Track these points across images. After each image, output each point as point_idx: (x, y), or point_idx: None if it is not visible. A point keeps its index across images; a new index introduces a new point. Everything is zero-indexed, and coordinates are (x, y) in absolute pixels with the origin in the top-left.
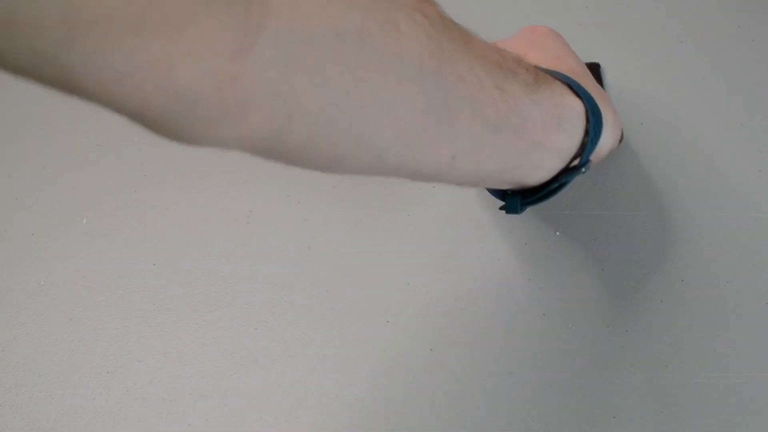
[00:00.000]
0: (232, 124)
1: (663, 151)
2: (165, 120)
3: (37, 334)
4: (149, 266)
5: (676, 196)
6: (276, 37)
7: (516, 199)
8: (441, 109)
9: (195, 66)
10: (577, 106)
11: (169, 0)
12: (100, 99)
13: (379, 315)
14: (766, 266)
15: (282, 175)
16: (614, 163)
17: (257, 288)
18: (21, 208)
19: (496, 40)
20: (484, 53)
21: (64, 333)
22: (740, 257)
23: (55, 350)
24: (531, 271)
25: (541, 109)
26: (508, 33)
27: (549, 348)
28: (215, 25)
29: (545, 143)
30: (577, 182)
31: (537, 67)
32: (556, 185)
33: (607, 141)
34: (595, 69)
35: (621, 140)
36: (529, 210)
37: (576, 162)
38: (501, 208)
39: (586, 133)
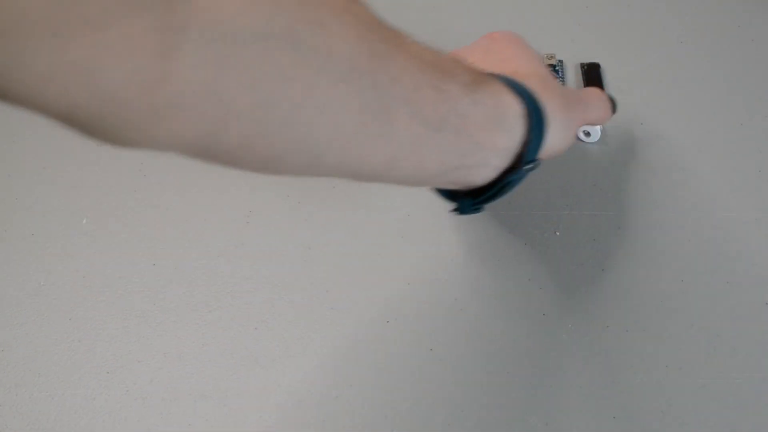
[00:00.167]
0: (164, 126)
1: (663, 151)
2: (95, 123)
3: (37, 334)
4: (149, 266)
5: (676, 196)
6: (202, 37)
7: (467, 199)
8: (377, 109)
9: (119, 67)
10: (515, 106)
11: (88, 0)
12: (26, 102)
13: (379, 315)
14: (766, 266)
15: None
16: (614, 163)
17: (257, 288)
18: (21, 208)
19: (457, 48)
20: (420, 54)
21: (64, 333)
22: (740, 257)
23: (55, 350)
24: (531, 271)
25: (480, 108)
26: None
27: (549, 348)
28: (137, 25)
29: (486, 142)
30: (577, 182)
31: (477, 69)
32: (503, 184)
33: (556, 140)
34: (595, 69)
35: (614, 110)
36: (529, 210)
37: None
38: (452, 211)
39: (529, 132)
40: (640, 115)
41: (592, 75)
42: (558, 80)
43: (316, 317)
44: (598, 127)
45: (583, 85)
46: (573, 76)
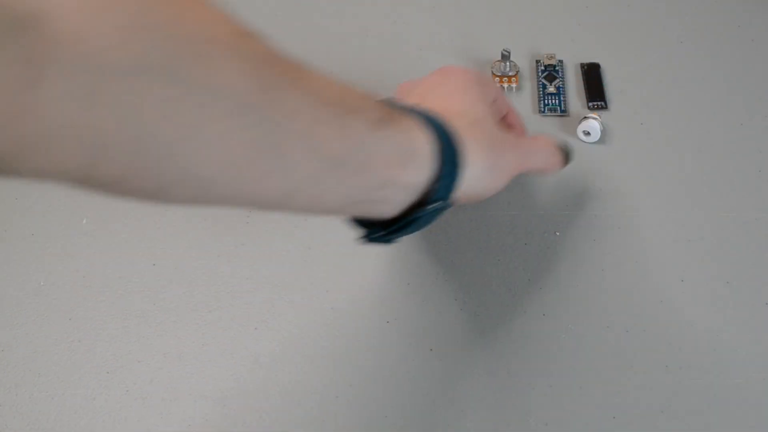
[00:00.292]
0: (38, 157)
1: (663, 151)
2: None
3: (37, 334)
4: (149, 266)
5: (676, 196)
6: (68, 69)
7: (377, 229)
8: (268, 144)
9: None
10: (426, 144)
11: None
12: None
13: (379, 315)
14: (766, 266)
15: None
16: (614, 163)
17: (257, 288)
18: (21, 208)
19: (407, 81)
20: (321, 89)
21: (64, 333)
22: (740, 257)
23: (55, 350)
24: (531, 271)
25: (387, 145)
26: (504, 32)
27: (549, 348)
28: None
29: (391, 179)
30: (577, 182)
31: (392, 105)
32: (410, 219)
33: (478, 182)
34: (595, 69)
35: (568, 160)
36: (529, 210)
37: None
38: (362, 238)
39: (440, 171)
40: (640, 115)
41: (592, 75)
42: (493, 124)
43: (316, 317)
44: (598, 127)
45: (583, 85)
46: (573, 76)
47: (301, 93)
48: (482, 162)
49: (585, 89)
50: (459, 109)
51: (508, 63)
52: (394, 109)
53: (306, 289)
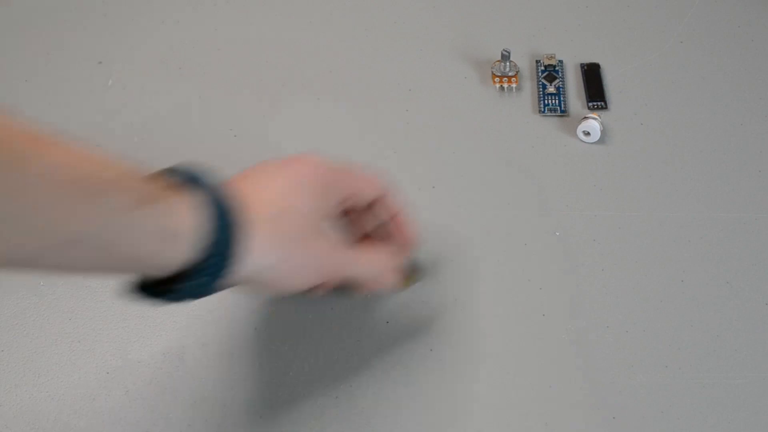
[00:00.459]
0: None
1: (663, 151)
2: None
3: (37, 334)
4: None
5: (676, 196)
6: None
7: (148, 290)
8: (6, 217)
9: None
10: (193, 228)
11: None
12: None
13: (379, 315)
14: (766, 266)
15: None
16: (614, 163)
17: None
18: None
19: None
20: (63, 167)
21: (64, 333)
22: (740, 257)
23: (55, 350)
24: (531, 271)
25: (142, 225)
26: (504, 32)
27: (549, 348)
28: None
29: (146, 256)
30: (577, 182)
31: (171, 180)
32: (172, 296)
33: (272, 273)
34: (595, 69)
35: (414, 280)
36: (529, 210)
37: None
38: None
39: (207, 254)
40: (640, 115)
41: (592, 75)
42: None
43: (317, 317)
44: (598, 128)
45: (583, 85)
46: (573, 76)
47: (35, 172)
48: (271, 254)
49: (585, 89)
50: (268, 198)
51: (508, 63)
52: (166, 187)
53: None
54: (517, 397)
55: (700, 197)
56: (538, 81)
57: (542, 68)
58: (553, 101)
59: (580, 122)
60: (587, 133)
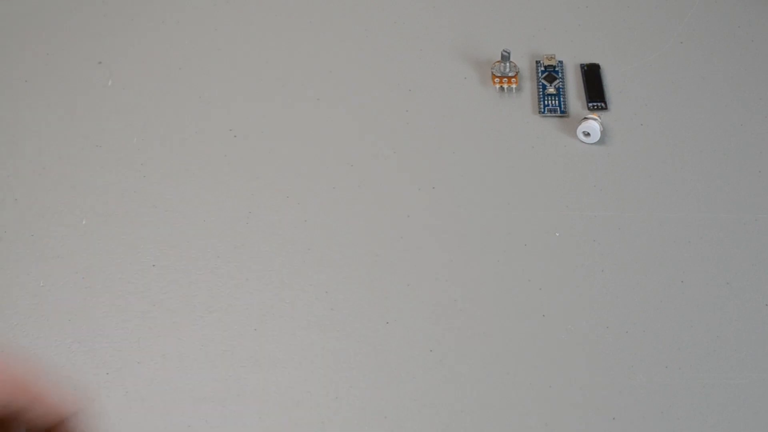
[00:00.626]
0: None
1: (663, 151)
2: None
3: (37, 335)
4: (149, 266)
5: (676, 196)
6: None
7: None
8: None
9: None
10: None
11: None
12: None
13: (379, 316)
14: (766, 266)
15: (282, 175)
16: (614, 163)
17: (257, 289)
18: (21, 208)
19: None
20: None
21: (64, 334)
22: (740, 257)
23: (55, 350)
24: (531, 271)
25: None
26: (504, 32)
27: (549, 348)
28: None
29: None
30: (577, 182)
31: None
32: None
33: None
34: (595, 69)
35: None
36: (529, 210)
37: None
38: None
39: None
40: (640, 115)
41: (592, 75)
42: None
43: (316, 318)
44: (598, 128)
45: (583, 85)
46: (573, 76)
47: None
48: None
49: (585, 90)
50: None
51: (508, 63)
52: None
53: (306, 290)
54: (517, 397)
55: (700, 197)
56: (538, 81)
57: (542, 69)
58: (553, 102)
59: (580, 123)
60: (587, 134)
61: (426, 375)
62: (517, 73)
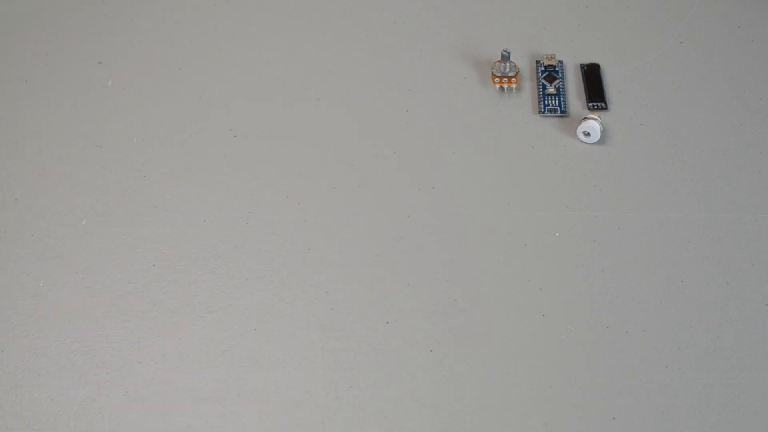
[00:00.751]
0: None
1: (663, 151)
2: None
3: (37, 335)
4: (149, 266)
5: (676, 196)
6: None
7: None
8: None
9: None
10: None
11: None
12: None
13: (379, 316)
14: (766, 266)
15: (282, 175)
16: (614, 163)
17: (257, 289)
18: (21, 208)
19: None
20: None
21: (64, 334)
22: (740, 257)
23: (55, 350)
24: (531, 271)
25: None
26: (504, 32)
27: (549, 348)
28: None
29: None
30: (577, 182)
31: None
32: None
33: None
34: (595, 69)
35: None
36: (529, 210)
37: None
38: None
39: None
40: (640, 115)
41: (592, 75)
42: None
43: (316, 318)
44: (598, 128)
45: (583, 85)
46: (573, 76)
47: None
48: None
49: (585, 90)
50: None
51: (508, 63)
52: None
53: (306, 290)
54: (517, 397)
55: (700, 197)
56: (538, 81)
57: (542, 68)
58: (553, 101)
59: (580, 123)
60: (587, 134)
61: (426, 375)
62: (517, 73)
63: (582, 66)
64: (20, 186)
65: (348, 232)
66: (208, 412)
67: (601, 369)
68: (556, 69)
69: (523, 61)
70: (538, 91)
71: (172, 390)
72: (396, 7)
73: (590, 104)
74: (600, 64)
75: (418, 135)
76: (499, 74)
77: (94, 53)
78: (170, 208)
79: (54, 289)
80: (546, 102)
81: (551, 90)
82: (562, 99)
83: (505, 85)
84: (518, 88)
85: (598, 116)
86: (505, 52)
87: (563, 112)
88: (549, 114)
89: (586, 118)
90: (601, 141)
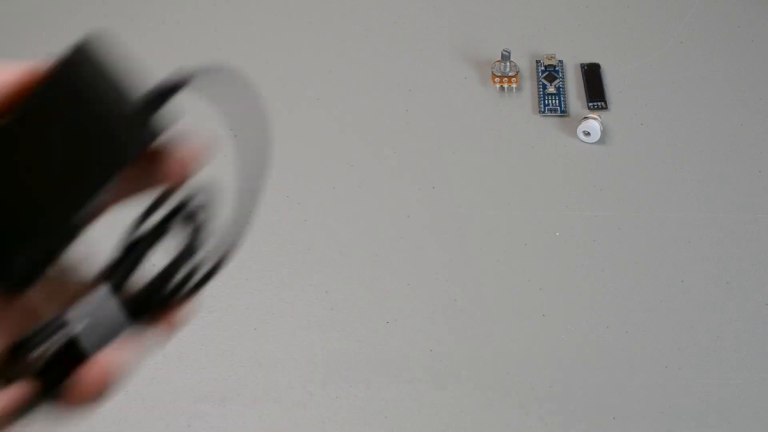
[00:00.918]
0: None
1: (662, 152)
2: None
3: None
4: (149, 266)
5: (676, 196)
6: None
7: None
8: None
9: None
10: None
11: None
12: None
13: (379, 316)
14: (766, 266)
15: (282, 175)
16: (614, 163)
17: (257, 289)
18: None
19: None
20: None
21: None
22: (740, 257)
23: None
24: (531, 271)
25: None
26: (504, 32)
27: (549, 348)
28: None
29: None
30: (577, 182)
31: None
32: None
33: None
34: (595, 69)
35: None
36: (529, 210)
37: None
38: None
39: None
40: (640, 115)
41: (592, 75)
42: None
43: (316, 318)
44: (598, 128)
45: (583, 85)
46: (573, 76)
47: None
48: None
49: (585, 89)
50: None
51: (508, 63)
52: None
53: (306, 290)
54: (517, 397)
55: (700, 197)
56: (538, 81)
57: (542, 68)
58: (553, 101)
59: (580, 122)
60: (587, 134)
61: (426, 375)
62: (517, 72)
63: (582, 66)
64: None
65: (348, 232)
66: (208, 412)
67: (601, 369)
68: (556, 69)
69: (523, 61)
70: (538, 91)
71: (171, 389)
72: (396, 7)
73: (590, 104)
74: (600, 64)
75: (418, 135)
76: (499, 74)
77: None
78: None
79: None
80: (546, 102)
81: (551, 90)
82: (562, 99)
83: (505, 85)
84: (518, 88)
85: (598, 116)
86: (505, 51)
87: (563, 112)
88: (549, 114)
89: (586, 117)
90: (601, 141)
